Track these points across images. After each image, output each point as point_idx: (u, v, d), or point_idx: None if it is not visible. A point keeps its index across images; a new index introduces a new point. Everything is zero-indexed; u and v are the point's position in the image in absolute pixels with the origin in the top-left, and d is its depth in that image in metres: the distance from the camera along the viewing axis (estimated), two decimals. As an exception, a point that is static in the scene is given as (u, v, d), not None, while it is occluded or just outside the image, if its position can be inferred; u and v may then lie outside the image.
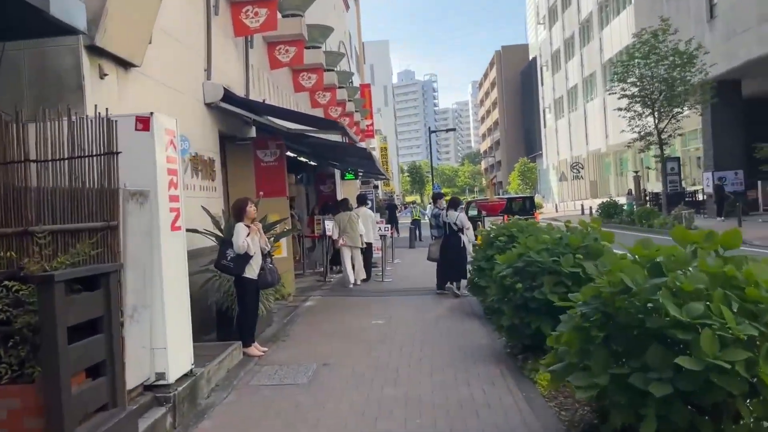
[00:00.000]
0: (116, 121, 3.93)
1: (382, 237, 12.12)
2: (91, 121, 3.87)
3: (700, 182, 34.06)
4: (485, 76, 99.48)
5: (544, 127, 67.92)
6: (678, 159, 30.38)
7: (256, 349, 6.61)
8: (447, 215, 9.60)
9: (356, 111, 21.75)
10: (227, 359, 5.94)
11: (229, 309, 6.88)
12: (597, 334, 3.33)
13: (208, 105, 8.40)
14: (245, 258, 6.41)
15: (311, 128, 10.09)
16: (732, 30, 22.18)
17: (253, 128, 10.38)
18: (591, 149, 51.46)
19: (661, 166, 22.69)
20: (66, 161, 3.77)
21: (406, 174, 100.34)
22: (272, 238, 7.76)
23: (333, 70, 16.55)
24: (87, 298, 3.51)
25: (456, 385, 5.27)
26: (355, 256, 11.77)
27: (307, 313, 9.17)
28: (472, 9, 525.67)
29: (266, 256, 6.73)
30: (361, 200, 12.37)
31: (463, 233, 9.54)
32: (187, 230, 6.93)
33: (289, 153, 12.18)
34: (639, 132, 22.66)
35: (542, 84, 68.29)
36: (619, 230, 23.61)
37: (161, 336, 4.34)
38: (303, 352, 6.76)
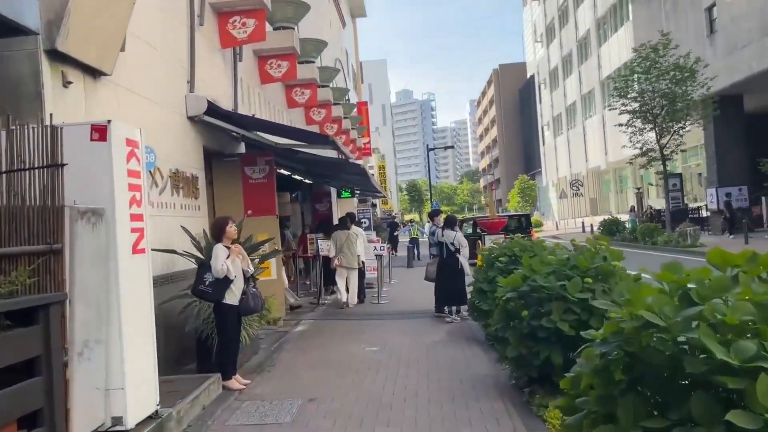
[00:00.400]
0: (61, 129, 3.43)
1: (378, 257, 11.59)
2: (33, 129, 3.38)
3: (701, 199, 33.71)
4: (483, 94, 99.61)
5: (543, 144, 67.70)
6: (680, 175, 29.94)
7: (237, 381, 6.05)
8: (443, 235, 9.11)
9: (353, 128, 21.38)
10: (203, 395, 5.39)
11: (209, 337, 6.34)
12: (622, 377, 2.78)
13: (191, 119, 7.92)
14: (225, 282, 5.89)
15: (302, 143, 9.62)
16: (733, 44, 21.87)
17: (242, 144, 9.92)
18: (590, 166, 51.12)
19: (664, 183, 22.21)
20: (2, 175, 3.26)
21: (405, 192, 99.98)
22: (257, 259, 7.24)
23: (328, 86, 16.18)
24: (21, 335, 2.99)
25: (457, 425, 4.72)
26: (350, 278, 11.23)
27: (297, 339, 8.62)
28: (470, 28, 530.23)
29: (249, 279, 6.21)
30: (353, 219, 11.86)
31: (460, 254, 9.05)
32: (165, 251, 6.47)
33: (282, 171, 11.71)
34: (641, 148, 22.23)
35: (540, 101, 68.21)
36: (623, 248, 23.05)
37: (118, 374, 3.81)
38: (289, 384, 6.21)
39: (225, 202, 9.03)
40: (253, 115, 9.87)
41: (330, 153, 11.37)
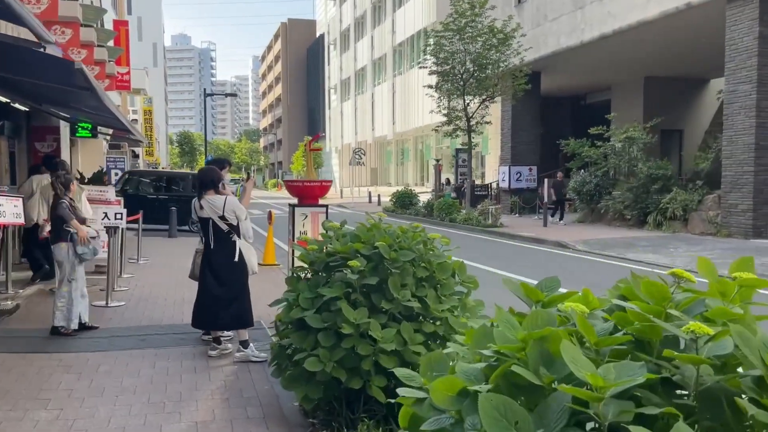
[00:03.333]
0: None
1: (109, 229, 7.15)
2: None
3: (484, 176, 34.24)
4: (269, 48, 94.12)
5: (329, 108, 65.52)
6: (469, 150, 29.31)
7: None
8: (201, 204, 5.20)
9: (99, 45, 15.89)
10: None
11: None
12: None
13: None
14: None
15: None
16: (543, 15, 20.90)
17: None
18: (377, 135, 49.99)
19: (467, 156, 20.67)
20: None
21: (176, 145, 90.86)
22: None
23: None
24: None
25: None
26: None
27: None
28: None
29: None
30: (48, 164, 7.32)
31: (238, 236, 5.25)
32: None
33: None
34: (446, 115, 20.28)
35: (329, 63, 65.70)
36: (417, 222, 21.23)
37: None
38: None
39: None
40: None
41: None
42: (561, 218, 19.38)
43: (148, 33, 79.88)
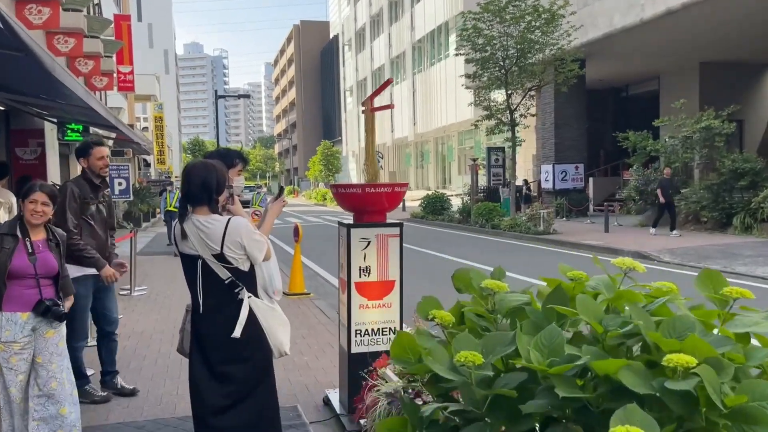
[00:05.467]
0: None
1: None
2: None
3: (518, 176, 31.58)
4: (282, 52, 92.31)
5: (345, 111, 63.44)
6: (503, 149, 26.98)
7: None
8: (184, 230, 2.88)
9: (91, 36, 14.03)
10: None
11: None
12: None
13: None
14: None
15: None
16: (591, -6, 18.54)
17: None
18: (396, 137, 47.75)
19: (511, 153, 18.32)
20: None
21: (189, 152, 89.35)
22: None
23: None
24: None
25: None
26: None
27: None
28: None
29: None
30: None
31: (251, 290, 2.98)
32: None
33: None
34: (487, 107, 17.95)
35: (344, 64, 63.66)
36: (456, 231, 18.92)
37: None
38: None
39: None
40: None
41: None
42: (673, 227, 14.47)
43: (159, 40, 78.52)
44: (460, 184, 35.54)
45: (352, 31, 58.99)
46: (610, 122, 28.73)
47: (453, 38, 36.68)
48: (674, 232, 14.30)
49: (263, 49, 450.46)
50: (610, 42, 18.74)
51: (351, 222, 3.71)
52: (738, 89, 22.20)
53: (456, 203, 23.45)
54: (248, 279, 2.91)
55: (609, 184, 24.94)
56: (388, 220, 3.75)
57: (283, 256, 13.27)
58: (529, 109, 18.44)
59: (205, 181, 2.87)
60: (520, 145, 18.57)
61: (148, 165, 41.92)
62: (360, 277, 3.61)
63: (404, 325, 3.68)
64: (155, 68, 61.21)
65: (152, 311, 7.21)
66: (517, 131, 17.99)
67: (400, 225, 3.69)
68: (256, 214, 14.19)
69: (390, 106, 3.66)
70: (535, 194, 20.59)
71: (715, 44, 19.67)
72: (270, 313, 2.95)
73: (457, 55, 19.87)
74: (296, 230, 8.39)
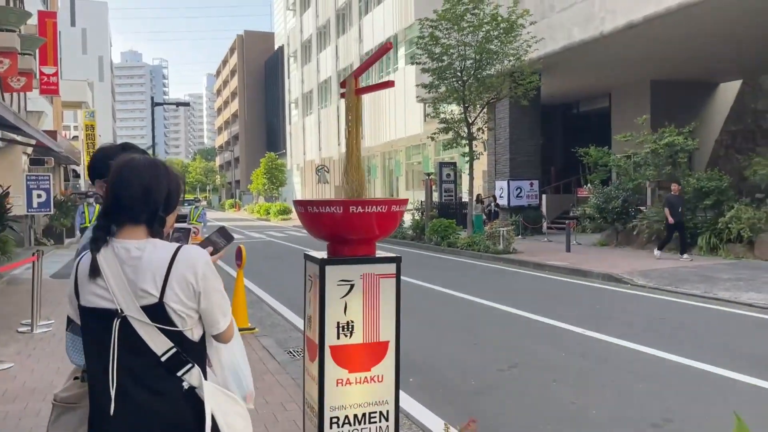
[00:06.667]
0: None
1: None
2: None
3: (479, 192, 30.68)
4: (225, 62, 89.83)
5: (290, 123, 61.84)
6: (454, 164, 26.28)
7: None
8: (99, 265, 1.67)
9: (8, 30, 12.50)
10: None
11: None
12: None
13: None
14: None
15: None
16: (549, 6, 18.03)
17: None
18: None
19: (469, 168, 17.44)
20: None
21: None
22: None
23: None
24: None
25: None
26: None
27: None
28: None
29: None
30: None
31: (205, 375, 1.77)
32: None
33: None
34: (444, 121, 17.04)
35: (289, 76, 62.16)
36: (410, 249, 17.81)
37: None
38: None
39: None
40: None
41: None
42: (683, 251, 12.87)
43: (93, 46, 75.08)
44: (410, 199, 34.61)
45: (298, 42, 57.72)
46: (560, 139, 28.54)
47: (402, 52, 36.06)
48: (685, 256, 12.70)
49: (205, 60, 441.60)
50: (567, 56, 18.25)
51: (325, 256, 2.54)
52: (687, 108, 22.22)
53: (406, 219, 22.47)
54: (198, 355, 1.74)
55: (562, 202, 24.57)
56: (378, 253, 2.60)
57: (223, 276, 11.86)
58: (486, 123, 17.67)
59: (149, 188, 1.74)
60: (478, 158, 17.73)
61: (78, 176, 39.28)
62: (338, 338, 2.44)
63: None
64: (89, 75, 58.12)
65: (55, 356, 5.75)
66: (474, 146, 17.18)
67: (396, 260, 2.55)
68: (193, 232, 12.72)
69: (389, 84, 2.53)
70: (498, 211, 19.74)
71: (666, 62, 19.54)
72: (232, 409, 1.76)
73: (413, 63, 18.97)
74: (239, 253, 7.09)
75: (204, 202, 75.38)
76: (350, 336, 2.45)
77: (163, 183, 1.76)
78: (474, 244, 15.89)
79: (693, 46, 17.48)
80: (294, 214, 43.51)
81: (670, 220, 12.77)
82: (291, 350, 6.32)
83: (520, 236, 19.67)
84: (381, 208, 2.41)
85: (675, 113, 20.11)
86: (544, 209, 22.23)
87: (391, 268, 2.52)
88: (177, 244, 1.73)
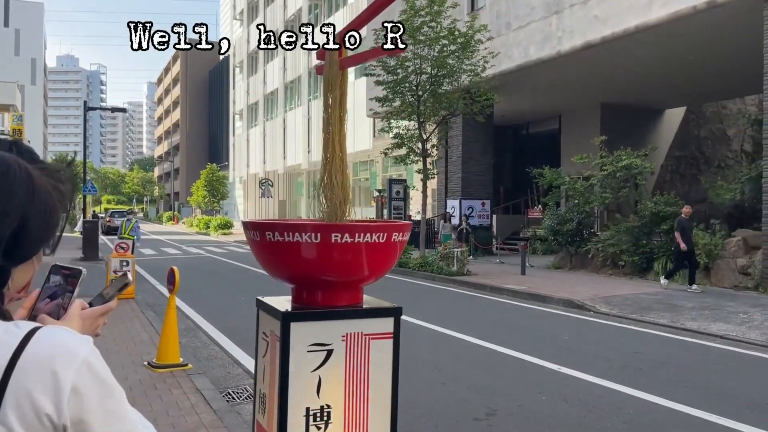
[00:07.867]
0: None
1: None
2: None
3: (416, 211, 30.19)
4: (167, 70, 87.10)
5: (233, 135, 60.16)
6: (404, 181, 25.69)
7: None
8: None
9: None
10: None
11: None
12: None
13: None
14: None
15: None
16: (505, 24, 17.77)
17: None
18: (289, 164, 45.40)
19: (422, 186, 16.84)
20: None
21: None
22: None
23: None
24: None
25: None
26: None
27: None
28: (159, 3, 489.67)
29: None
30: None
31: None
32: None
33: None
34: (400, 136, 16.39)
35: (234, 87, 60.60)
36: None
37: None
38: None
39: None
40: None
41: None
42: (692, 281, 11.71)
43: (26, 48, 71.36)
44: (357, 216, 33.68)
45: (245, 52, 56.37)
46: (510, 159, 28.45)
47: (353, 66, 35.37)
48: (694, 287, 11.54)
49: (146, 67, 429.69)
50: (520, 76, 18.01)
51: (289, 305, 1.71)
52: (635, 132, 22.44)
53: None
54: None
55: (511, 222, 24.31)
56: (367, 304, 1.80)
57: (155, 298, 10.69)
58: (441, 140, 17.15)
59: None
60: (434, 177, 17.15)
61: None
62: (307, 428, 1.61)
63: None
64: (20, 77, 54.97)
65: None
66: (428, 163, 16.61)
67: (395, 313, 1.75)
68: (122, 247, 11.46)
69: (381, 51, 1.74)
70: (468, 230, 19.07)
71: (617, 86, 19.62)
72: None
73: (365, 75, 18.31)
74: (171, 276, 6.09)
75: (141, 214, 72.33)
76: (325, 428, 1.63)
77: (10, 199, 0.90)
78: (427, 265, 15.23)
79: (643, 72, 17.56)
80: (236, 229, 41.86)
81: (683, 246, 11.50)
82: (230, 391, 5.40)
83: (471, 257, 19.18)
84: (377, 237, 1.60)
85: (623, 137, 20.19)
86: (494, 230, 21.88)
87: (387, 324, 1.72)
88: (29, 326, 0.87)
